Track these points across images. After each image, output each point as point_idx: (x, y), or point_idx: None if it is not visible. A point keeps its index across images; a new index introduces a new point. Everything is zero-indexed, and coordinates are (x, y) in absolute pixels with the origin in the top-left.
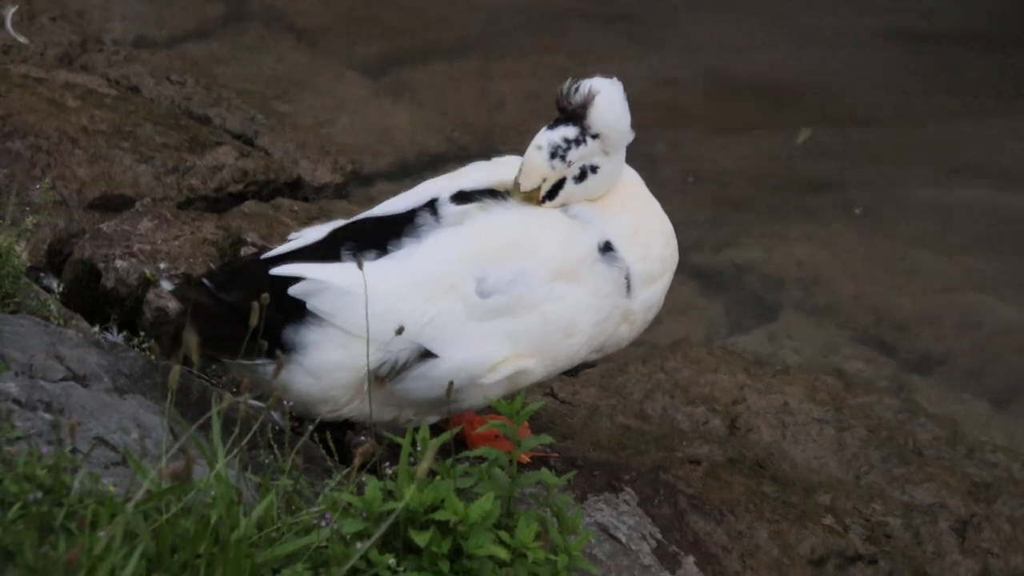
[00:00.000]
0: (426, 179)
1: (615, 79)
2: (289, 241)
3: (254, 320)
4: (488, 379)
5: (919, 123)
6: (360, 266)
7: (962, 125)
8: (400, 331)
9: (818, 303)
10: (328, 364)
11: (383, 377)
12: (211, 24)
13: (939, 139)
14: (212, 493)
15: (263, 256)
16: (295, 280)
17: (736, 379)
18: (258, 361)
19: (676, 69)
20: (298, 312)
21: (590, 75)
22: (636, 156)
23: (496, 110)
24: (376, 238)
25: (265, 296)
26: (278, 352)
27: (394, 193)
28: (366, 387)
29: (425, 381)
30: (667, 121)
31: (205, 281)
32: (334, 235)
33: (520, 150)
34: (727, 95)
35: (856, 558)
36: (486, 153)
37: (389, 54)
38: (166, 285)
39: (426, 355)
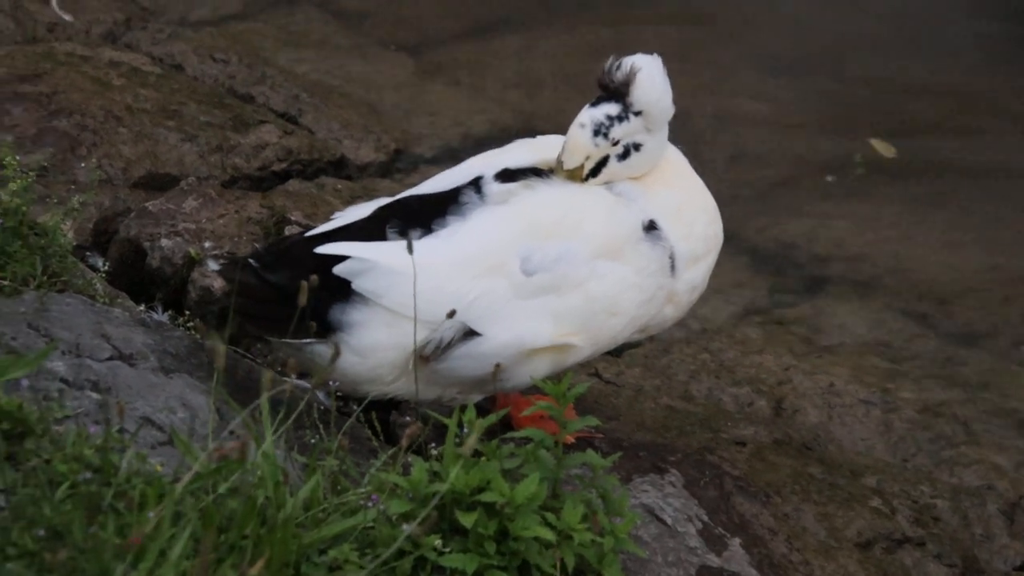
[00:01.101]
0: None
1: (656, 56)
2: (333, 220)
3: (303, 300)
4: (533, 356)
5: (966, 94)
6: (410, 246)
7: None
8: (452, 315)
9: (863, 279)
10: (374, 343)
11: (428, 356)
12: (257, 5)
13: (980, 107)
14: (259, 473)
15: (308, 235)
16: (341, 259)
17: (782, 360)
18: (304, 341)
19: (720, 47)
20: (344, 291)
21: (631, 53)
22: (679, 135)
23: (537, 90)
24: (421, 216)
25: (314, 279)
26: (333, 340)
27: (437, 172)
28: (412, 366)
29: (470, 359)
30: (711, 100)
31: (251, 261)
32: (379, 213)
33: (561, 130)
34: (776, 72)
35: (904, 541)
36: (528, 134)
37: (431, 35)
38: (213, 265)
39: (471, 334)
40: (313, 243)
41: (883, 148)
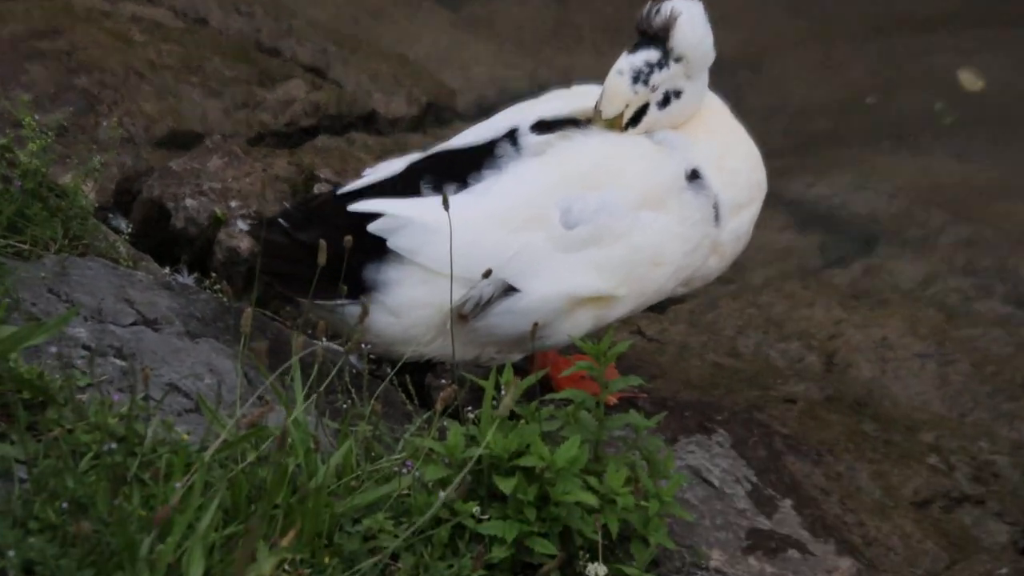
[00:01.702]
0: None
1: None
2: (364, 176)
3: (322, 259)
4: (575, 310)
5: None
6: (446, 201)
7: None
8: (488, 274)
9: (916, 234)
10: (410, 302)
11: (466, 314)
12: None
13: None
14: (290, 441)
15: (339, 192)
16: (374, 216)
17: (832, 313)
18: (337, 302)
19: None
20: (378, 249)
21: None
22: (719, 85)
23: (575, 43)
24: (455, 171)
25: (348, 239)
26: (363, 299)
27: (472, 125)
28: (448, 325)
29: (509, 316)
30: (752, 47)
31: (280, 220)
32: (411, 169)
33: (601, 80)
34: (816, 17)
35: (963, 499)
36: (566, 87)
37: None
38: (241, 225)
39: (510, 290)
40: (344, 201)
41: (970, 80)
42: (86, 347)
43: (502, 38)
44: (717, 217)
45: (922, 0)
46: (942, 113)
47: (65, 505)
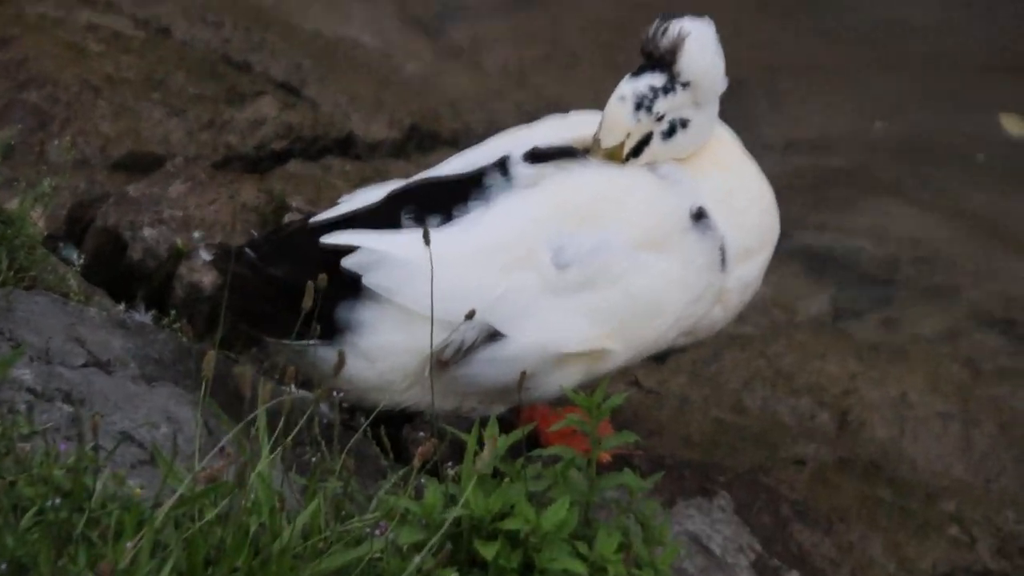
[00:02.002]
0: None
1: (707, 19)
2: (340, 204)
3: (308, 302)
4: (565, 359)
5: None
6: (427, 236)
7: None
8: (471, 316)
9: (939, 283)
10: (386, 346)
11: (446, 360)
12: None
13: None
14: (252, 497)
15: (312, 222)
16: (349, 250)
17: (847, 367)
18: (306, 343)
19: (775, 15)
20: (352, 287)
21: (678, 16)
22: (731, 114)
23: (570, 67)
24: (440, 202)
25: (323, 278)
26: (336, 341)
27: (458, 153)
28: (427, 372)
29: (493, 365)
30: (765, 75)
31: (247, 251)
32: (392, 198)
33: (599, 108)
34: (834, 43)
35: (985, 574)
36: (560, 112)
37: (451, 7)
38: (204, 255)
39: (495, 335)
40: (317, 231)
41: (1013, 124)
42: (31, 391)
43: (488, 63)
44: (723, 262)
45: (961, 41)
46: (983, 162)
47: (4, 566)
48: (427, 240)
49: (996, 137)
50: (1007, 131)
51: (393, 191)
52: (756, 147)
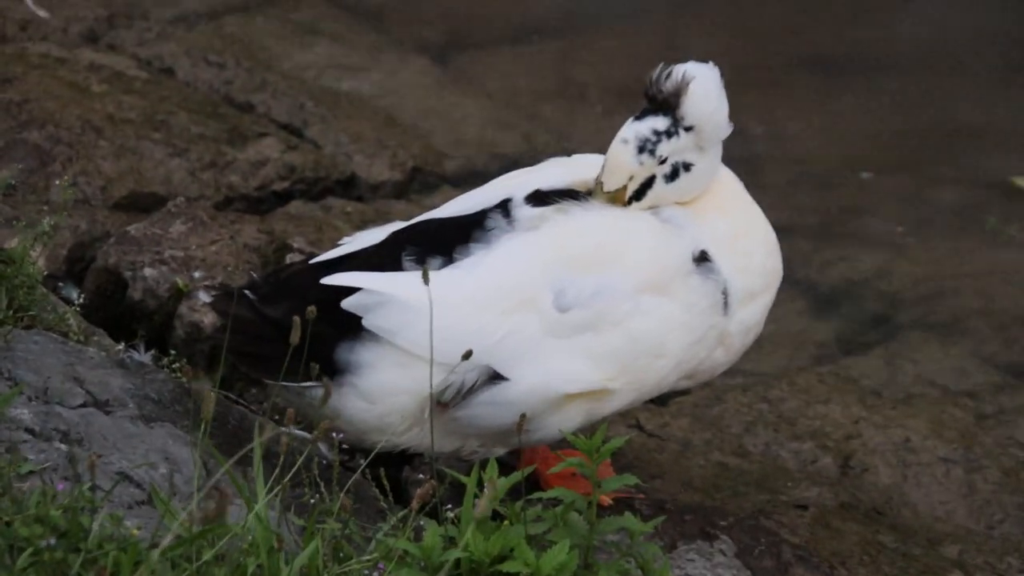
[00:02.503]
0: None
1: (712, 64)
2: (341, 245)
3: (295, 338)
4: (565, 404)
5: None
6: (426, 276)
7: None
8: (468, 355)
9: (943, 323)
10: (385, 387)
11: (446, 402)
12: None
13: None
14: (250, 538)
15: (312, 262)
16: (350, 291)
17: (850, 411)
18: (307, 384)
19: (779, 55)
20: (352, 327)
21: (683, 60)
22: (735, 155)
23: (577, 103)
24: (441, 243)
25: (312, 310)
26: (325, 378)
27: (461, 193)
28: (427, 414)
29: (494, 407)
30: (769, 114)
31: (247, 292)
32: (394, 239)
33: (604, 149)
34: (837, 77)
35: None
36: (566, 153)
37: (458, 37)
38: (203, 297)
39: (496, 377)
40: (318, 272)
41: None
42: (29, 430)
43: (495, 96)
44: (726, 305)
45: (973, 105)
46: (994, 225)
47: None
48: (426, 280)
49: (1004, 192)
50: (1018, 186)
51: (395, 231)
52: (761, 188)
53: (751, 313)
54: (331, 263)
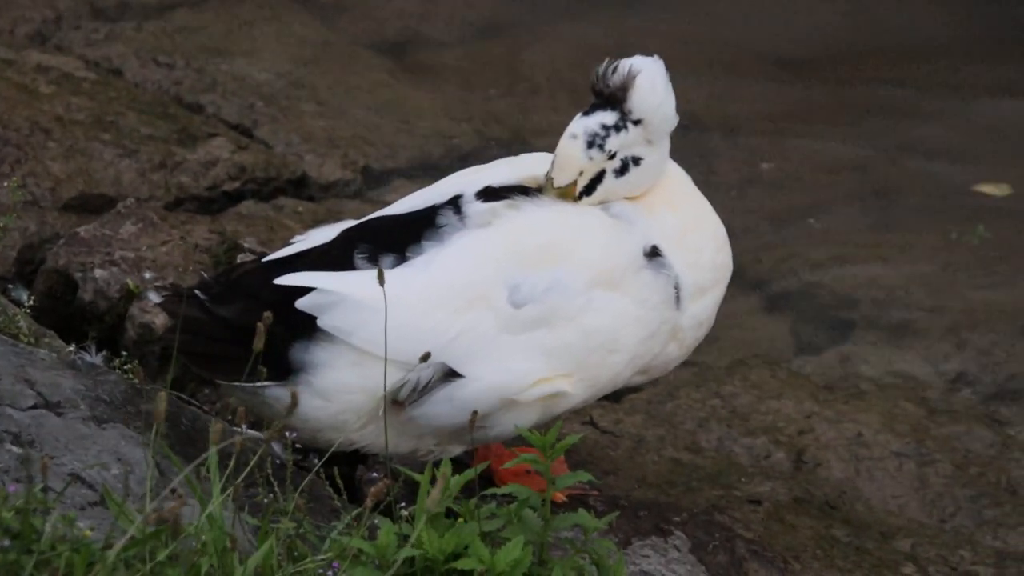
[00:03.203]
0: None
1: (657, 57)
2: (292, 244)
3: (259, 344)
4: (522, 400)
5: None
6: (381, 276)
7: None
8: (426, 358)
9: (896, 322)
10: (340, 385)
11: (402, 401)
12: None
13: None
14: (203, 538)
15: (264, 261)
16: (303, 291)
17: (803, 406)
18: (259, 384)
19: (730, 48)
20: (306, 327)
21: (630, 55)
22: (686, 152)
23: (530, 98)
24: (393, 241)
25: (268, 316)
26: (290, 381)
27: (414, 188)
28: (382, 412)
29: (449, 405)
30: (720, 111)
31: (198, 292)
32: (345, 237)
33: (556, 145)
34: (791, 78)
35: None
36: (520, 147)
37: (411, 35)
38: (153, 297)
39: (451, 375)
40: (270, 271)
41: (992, 188)
42: None
43: (448, 90)
44: (678, 300)
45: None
46: (981, 233)
47: None
48: (381, 281)
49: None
50: (992, 194)
51: (347, 229)
52: (714, 186)
53: (702, 307)
54: (282, 262)
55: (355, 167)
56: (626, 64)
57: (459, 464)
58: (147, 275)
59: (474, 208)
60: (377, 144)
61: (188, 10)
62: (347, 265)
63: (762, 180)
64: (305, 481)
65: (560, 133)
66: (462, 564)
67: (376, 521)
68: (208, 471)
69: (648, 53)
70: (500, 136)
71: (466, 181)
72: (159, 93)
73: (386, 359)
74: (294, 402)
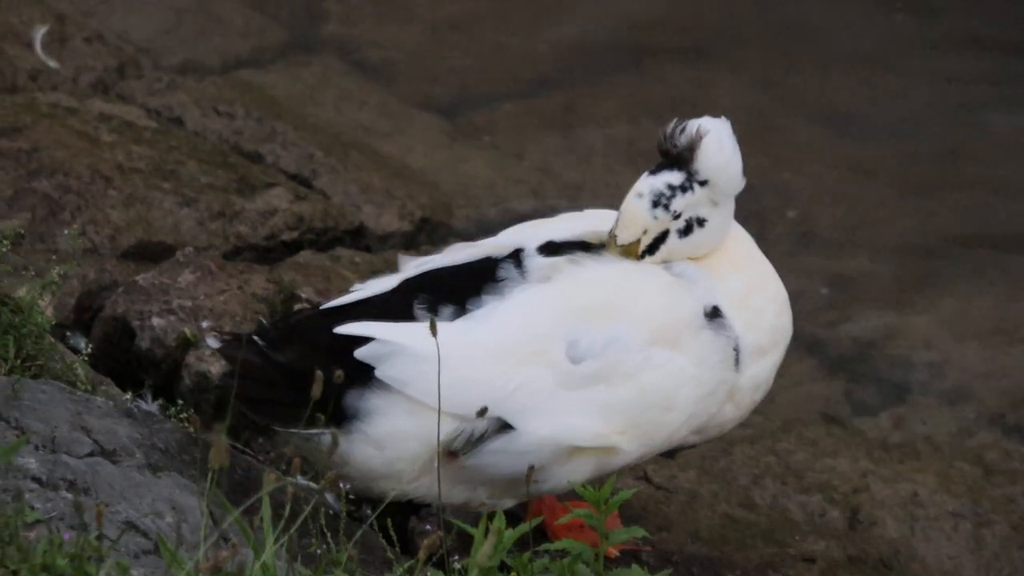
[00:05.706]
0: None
1: (724, 118)
2: (352, 292)
3: (317, 392)
4: (576, 454)
5: None
6: (433, 328)
7: None
8: (483, 412)
9: (951, 384)
10: (395, 433)
11: (456, 452)
12: (269, 52)
13: None
14: None
15: (323, 308)
16: (361, 340)
17: (858, 464)
18: (314, 431)
19: (786, 108)
20: (361, 375)
21: (695, 115)
22: (741, 210)
23: (585, 159)
24: (452, 292)
25: (340, 374)
26: (343, 428)
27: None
28: (436, 463)
29: (504, 456)
30: (776, 169)
31: (255, 338)
32: (405, 286)
33: (614, 204)
34: (844, 134)
35: None
36: (575, 206)
37: (465, 94)
38: (212, 343)
39: (506, 427)
40: (329, 318)
41: None
42: (36, 479)
43: (504, 151)
44: (737, 361)
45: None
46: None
47: None
48: (434, 332)
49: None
50: None
51: (406, 279)
52: (768, 244)
53: (762, 369)
54: (341, 309)
55: (412, 218)
56: (694, 124)
57: (512, 518)
58: (204, 324)
59: (535, 263)
60: (434, 197)
61: (251, 69)
62: (406, 315)
63: (818, 242)
64: (359, 532)
65: (615, 194)
66: None
67: (429, 573)
68: (261, 521)
69: (716, 114)
70: (556, 197)
71: (529, 234)
72: (219, 142)
73: (439, 411)
74: (335, 442)
